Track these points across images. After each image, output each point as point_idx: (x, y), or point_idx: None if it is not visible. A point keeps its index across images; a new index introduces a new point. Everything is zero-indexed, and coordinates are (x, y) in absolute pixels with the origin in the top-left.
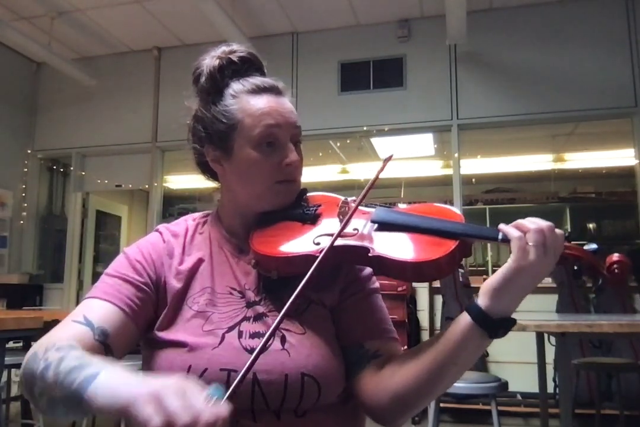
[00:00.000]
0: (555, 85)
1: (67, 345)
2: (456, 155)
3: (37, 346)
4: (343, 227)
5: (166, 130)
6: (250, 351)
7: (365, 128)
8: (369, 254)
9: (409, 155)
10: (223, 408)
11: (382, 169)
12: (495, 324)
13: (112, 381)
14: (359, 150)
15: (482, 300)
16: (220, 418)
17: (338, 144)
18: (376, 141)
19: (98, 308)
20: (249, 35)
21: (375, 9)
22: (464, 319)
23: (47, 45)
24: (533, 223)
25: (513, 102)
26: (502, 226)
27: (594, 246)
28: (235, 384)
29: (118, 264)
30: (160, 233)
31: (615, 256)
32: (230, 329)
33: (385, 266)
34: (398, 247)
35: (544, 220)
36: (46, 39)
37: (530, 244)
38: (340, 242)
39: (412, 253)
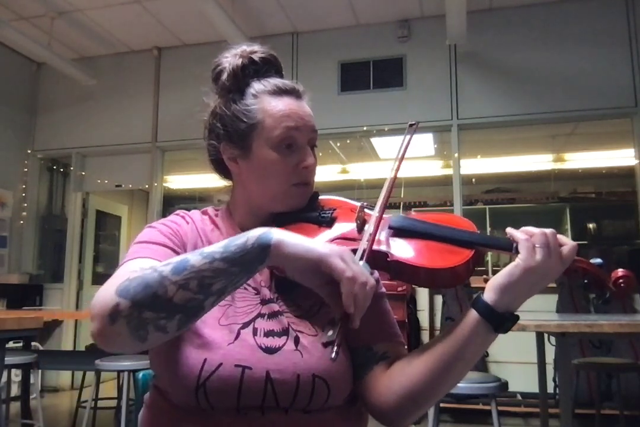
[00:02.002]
0: (555, 85)
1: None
2: (456, 155)
3: (121, 278)
4: (375, 232)
5: (166, 130)
6: (265, 349)
7: (365, 128)
8: (388, 259)
9: (409, 155)
10: (374, 279)
11: (408, 144)
12: (501, 317)
13: (290, 235)
14: (359, 150)
15: (487, 295)
16: (375, 285)
17: (338, 144)
18: (376, 141)
19: (150, 263)
20: (249, 35)
21: (375, 9)
22: (471, 314)
23: (47, 45)
24: (535, 229)
25: (513, 102)
26: (509, 230)
27: (598, 260)
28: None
29: (150, 235)
30: (182, 216)
31: (621, 271)
32: (246, 325)
33: (402, 271)
34: (415, 253)
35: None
36: (46, 39)
37: (537, 245)
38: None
39: (429, 260)
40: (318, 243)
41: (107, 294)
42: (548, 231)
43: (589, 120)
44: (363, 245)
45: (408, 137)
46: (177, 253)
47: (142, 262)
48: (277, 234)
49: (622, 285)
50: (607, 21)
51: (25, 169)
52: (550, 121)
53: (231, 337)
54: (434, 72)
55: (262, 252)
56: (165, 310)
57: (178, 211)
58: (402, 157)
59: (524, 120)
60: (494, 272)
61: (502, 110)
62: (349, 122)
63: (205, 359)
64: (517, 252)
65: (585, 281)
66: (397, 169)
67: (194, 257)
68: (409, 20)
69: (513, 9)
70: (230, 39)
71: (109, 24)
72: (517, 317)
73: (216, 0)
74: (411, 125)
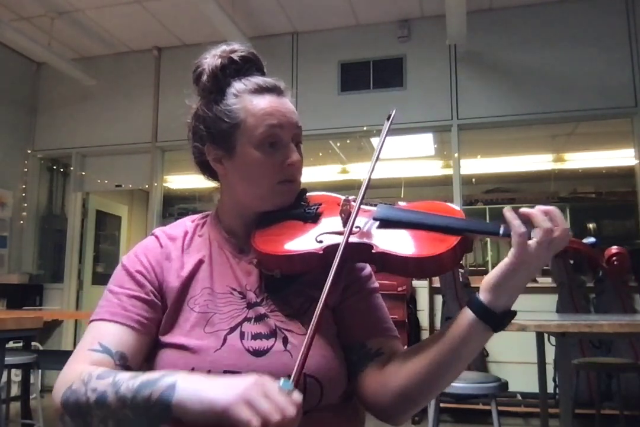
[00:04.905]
0: (556, 85)
1: (103, 371)
2: (456, 155)
3: (67, 381)
4: (352, 225)
5: (166, 130)
6: (253, 352)
7: (365, 128)
8: (373, 251)
9: (409, 155)
10: (297, 399)
11: (387, 131)
12: (498, 317)
13: (195, 386)
14: (359, 150)
15: (483, 295)
16: (298, 409)
17: (338, 144)
18: (376, 141)
19: (110, 332)
20: (249, 35)
21: (375, 9)
22: (466, 314)
23: (47, 45)
24: (545, 221)
25: (513, 102)
26: (508, 214)
27: (592, 239)
28: (296, 374)
29: (119, 279)
30: (157, 237)
31: (614, 249)
32: (232, 330)
33: (388, 262)
34: (401, 243)
35: (561, 218)
36: (46, 39)
37: (534, 239)
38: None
39: (415, 249)
40: (219, 389)
41: (59, 392)
42: (562, 225)
43: (589, 120)
44: (341, 241)
45: (387, 127)
46: (142, 299)
47: (105, 331)
48: (180, 391)
49: (615, 263)
50: (607, 21)
51: (25, 169)
52: (550, 121)
53: (218, 344)
54: (434, 72)
55: (164, 412)
56: None
57: (155, 231)
58: (380, 151)
59: (524, 120)
60: None
61: (502, 110)
62: (349, 122)
63: (192, 368)
64: (505, 236)
65: (572, 262)
66: (374, 163)
67: (111, 394)
68: (409, 20)
69: (513, 9)
70: (230, 39)
71: (109, 24)
72: (514, 313)
73: (216, 0)
74: (389, 117)
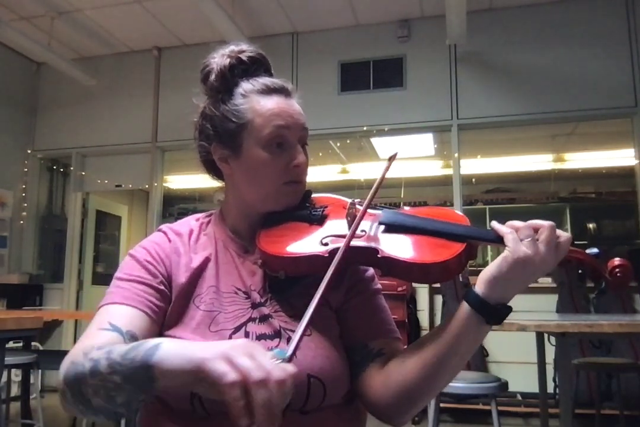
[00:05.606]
0: (555, 85)
1: (106, 344)
2: (456, 155)
3: (71, 357)
4: (355, 229)
5: (166, 130)
6: None
7: (365, 128)
8: (378, 255)
9: (409, 155)
10: (290, 367)
11: (387, 169)
12: (492, 309)
13: (178, 346)
14: (359, 150)
15: (479, 287)
16: (289, 376)
17: (338, 144)
18: (376, 141)
19: (121, 313)
20: (249, 35)
21: (375, 9)
22: (463, 307)
23: (47, 45)
24: (521, 222)
25: (513, 102)
26: (494, 224)
27: (595, 250)
28: (295, 345)
29: (129, 267)
30: (164, 233)
31: (617, 260)
32: (237, 329)
33: (393, 267)
34: (406, 248)
35: (542, 221)
36: (46, 39)
37: (521, 238)
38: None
39: (420, 255)
40: (201, 347)
41: (62, 368)
42: (547, 223)
43: (588, 120)
44: (344, 243)
45: (387, 165)
46: (153, 287)
47: (116, 312)
48: (163, 350)
49: (618, 274)
50: (607, 21)
51: (25, 169)
52: (550, 121)
53: None
54: (434, 72)
55: (147, 373)
56: (92, 409)
57: (161, 226)
58: (384, 176)
59: (524, 120)
60: None
61: (502, 110)
62: (349, 122)
63: None
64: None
65: (580, 271)
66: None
67: (104, 361)
68: (409, 20)
69: (513, 9)
70: (230, 39)
71: (109, 24)
72: (510, 309)
73: (216, 0)
74: (390, 158)
